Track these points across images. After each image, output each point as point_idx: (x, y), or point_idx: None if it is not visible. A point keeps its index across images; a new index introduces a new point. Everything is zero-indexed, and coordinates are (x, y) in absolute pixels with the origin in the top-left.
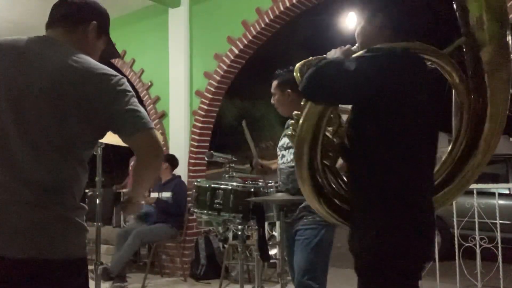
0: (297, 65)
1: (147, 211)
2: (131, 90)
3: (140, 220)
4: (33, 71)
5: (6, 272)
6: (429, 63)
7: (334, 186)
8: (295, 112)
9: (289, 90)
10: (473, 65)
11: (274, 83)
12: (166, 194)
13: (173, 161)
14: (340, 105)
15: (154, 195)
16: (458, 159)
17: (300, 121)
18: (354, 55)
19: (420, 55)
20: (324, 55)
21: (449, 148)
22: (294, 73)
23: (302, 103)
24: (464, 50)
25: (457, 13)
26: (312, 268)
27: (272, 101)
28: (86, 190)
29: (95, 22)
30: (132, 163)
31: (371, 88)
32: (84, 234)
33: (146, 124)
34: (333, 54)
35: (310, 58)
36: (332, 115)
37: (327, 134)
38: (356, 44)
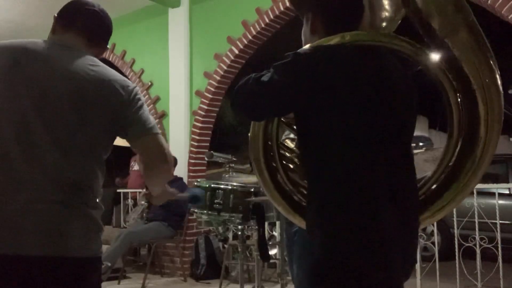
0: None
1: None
2: (143, 98)
3: (142, 220)
4: (55, 74)
5: (30, 270)
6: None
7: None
8: None
9: None
10: (427, 35)
11: None
12: None
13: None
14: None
15: None
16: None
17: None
18: (274, 64)
19: (357, 44)
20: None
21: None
22: None
23: None
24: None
25: None
26: None
27: None
28: None
29: (108, 47)
30: (132, 163)
31: (287, 96)
32: (101, 233)
33: (152, 129)
34: None
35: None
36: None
37: (289, 144)
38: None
